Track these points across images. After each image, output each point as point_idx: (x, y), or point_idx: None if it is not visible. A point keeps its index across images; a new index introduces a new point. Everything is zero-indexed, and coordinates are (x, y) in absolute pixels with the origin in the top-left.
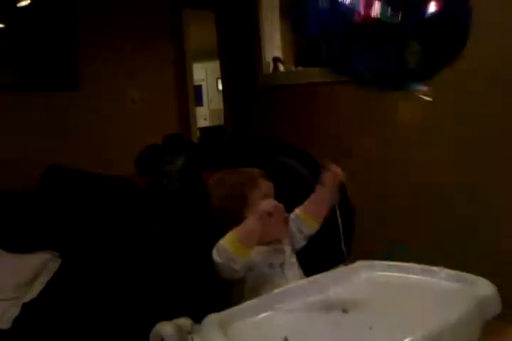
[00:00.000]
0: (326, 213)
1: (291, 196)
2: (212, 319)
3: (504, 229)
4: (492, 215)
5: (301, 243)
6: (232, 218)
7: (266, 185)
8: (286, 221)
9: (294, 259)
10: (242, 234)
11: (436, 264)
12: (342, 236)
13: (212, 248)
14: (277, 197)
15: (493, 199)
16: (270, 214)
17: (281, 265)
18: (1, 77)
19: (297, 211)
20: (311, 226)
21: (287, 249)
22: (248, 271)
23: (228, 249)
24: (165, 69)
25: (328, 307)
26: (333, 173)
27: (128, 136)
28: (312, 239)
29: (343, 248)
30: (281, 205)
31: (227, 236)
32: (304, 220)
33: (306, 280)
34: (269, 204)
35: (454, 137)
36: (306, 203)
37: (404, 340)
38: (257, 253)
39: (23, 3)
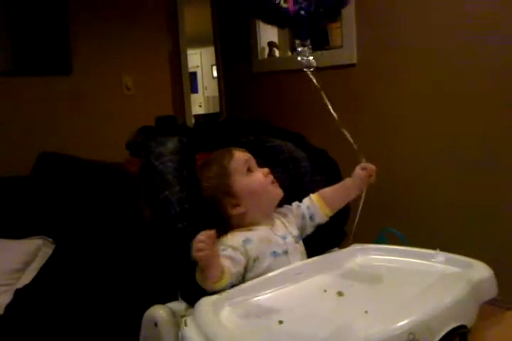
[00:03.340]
0: (343, 206)
1: (288, 179)
2: (205, 302)
3: (506, 215)
4: (492, 204)
5: (309, 230)
6: (221, 195)
7: (242, 155)
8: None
9: (299, 246)
10: (202, 274)
11: (433, 248)
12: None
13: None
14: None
15: (495, 184)
16: (203, 242)
17: (285, 252)
18: None
19: (315, 196)
20: (325, 216)
21: (293, 233)
22: (252, 262)
23: (207, 287)
24: (159, 54)
25: (322, 290)
26: (370, 172)
27: (121, 122)
28: None
29: (353, 230)
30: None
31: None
32: (321, 208)
33: (300, 263)
34: (197, 243)
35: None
36: (327, 190)
37: (399, 323)
38: (259, 242)
39: None
